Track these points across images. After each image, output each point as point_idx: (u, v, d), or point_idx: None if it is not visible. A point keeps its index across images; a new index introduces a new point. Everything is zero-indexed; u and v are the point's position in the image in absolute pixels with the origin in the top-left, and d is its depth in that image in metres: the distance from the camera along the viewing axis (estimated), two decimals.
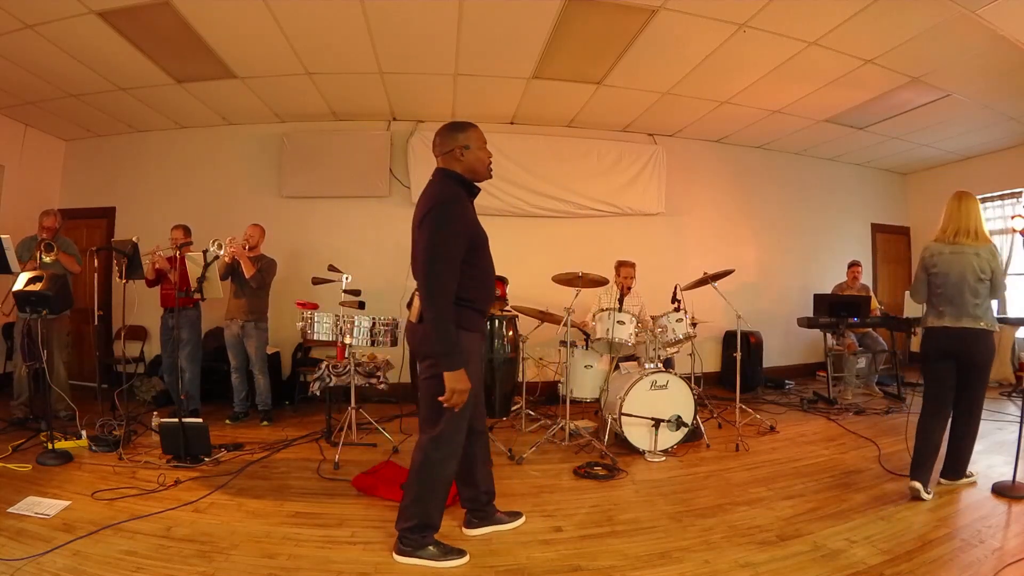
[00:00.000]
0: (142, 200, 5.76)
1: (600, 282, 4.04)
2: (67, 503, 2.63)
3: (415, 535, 2.16)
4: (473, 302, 2.14)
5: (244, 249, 4.34)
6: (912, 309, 5.24)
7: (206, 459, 3.31)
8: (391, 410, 4.80)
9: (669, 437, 3.63)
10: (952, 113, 5.30)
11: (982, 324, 2.78)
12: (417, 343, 2.19)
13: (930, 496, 2.78)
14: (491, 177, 2.28)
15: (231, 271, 4.35)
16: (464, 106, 5.31)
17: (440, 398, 2.03)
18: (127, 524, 2.43)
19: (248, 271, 4.25)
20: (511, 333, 4.70)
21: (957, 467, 2.94)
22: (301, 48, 4.15)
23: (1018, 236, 6.01)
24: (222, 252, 3.92)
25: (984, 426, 3.39)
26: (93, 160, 5.89)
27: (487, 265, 2.23)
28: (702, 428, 3.86)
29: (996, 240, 6.53)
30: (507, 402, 4.71)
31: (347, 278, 3.97)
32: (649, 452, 3.55)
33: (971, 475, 3.00)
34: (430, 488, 2.17)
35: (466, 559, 2.18)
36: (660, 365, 3.95)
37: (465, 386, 2.03)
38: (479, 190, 2.26)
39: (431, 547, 2.16)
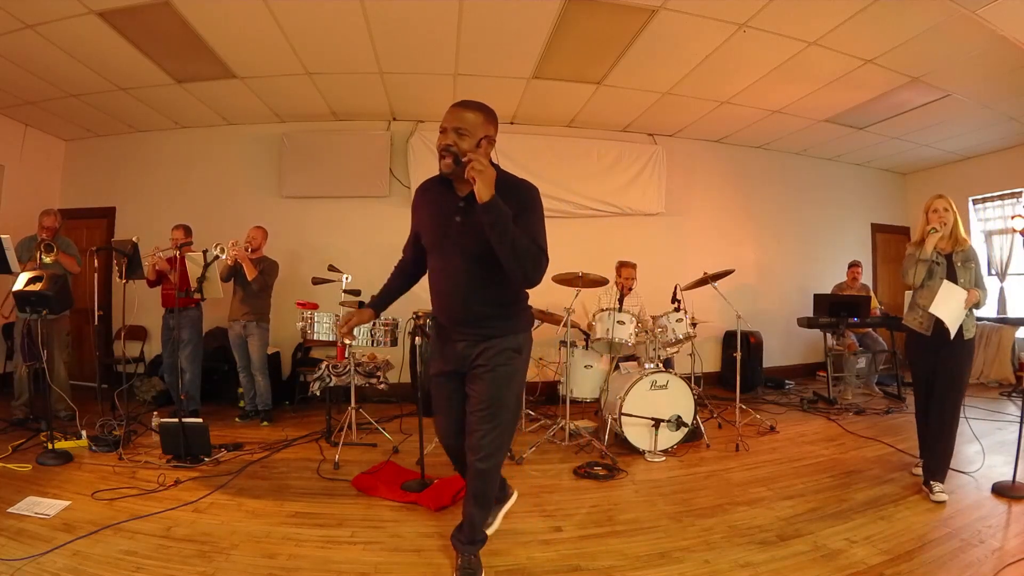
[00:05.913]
0: (142, 200, 5.76)
1: (600, 282, 4.04)
2: (67, 503, 2.63)
3: None
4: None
5: (247, 251, 4.34)
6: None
7: (206, 459, 3.31)
8: (391, 410, 4.80)
9: (669, 437, 3.63)
10: (952, 113, 5.29)
11: None
12: None
13: None
14: (442, 166, 1.97)
15: (233, 273, 4.35)
16: None
17: None
18: (127, 524, 2.43)
19: (250, 274, 4.25)
20: None
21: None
22: (301, 48, 4.15)
23: (1018, 236, 6.01)
24: (223, 256, 3.92)
25: (984, 426, 3.42)
26: (93, 160, 5.89)
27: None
28: (702, 428, 3.86)
29: (996, 240, 6.58)
30: None
31: (347, 278, 3.97)
32: (649, 452, 3.55)
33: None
34: None
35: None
36: (660, 365, 3.95)
37: None
38: (450, 178, 2.04)
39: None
